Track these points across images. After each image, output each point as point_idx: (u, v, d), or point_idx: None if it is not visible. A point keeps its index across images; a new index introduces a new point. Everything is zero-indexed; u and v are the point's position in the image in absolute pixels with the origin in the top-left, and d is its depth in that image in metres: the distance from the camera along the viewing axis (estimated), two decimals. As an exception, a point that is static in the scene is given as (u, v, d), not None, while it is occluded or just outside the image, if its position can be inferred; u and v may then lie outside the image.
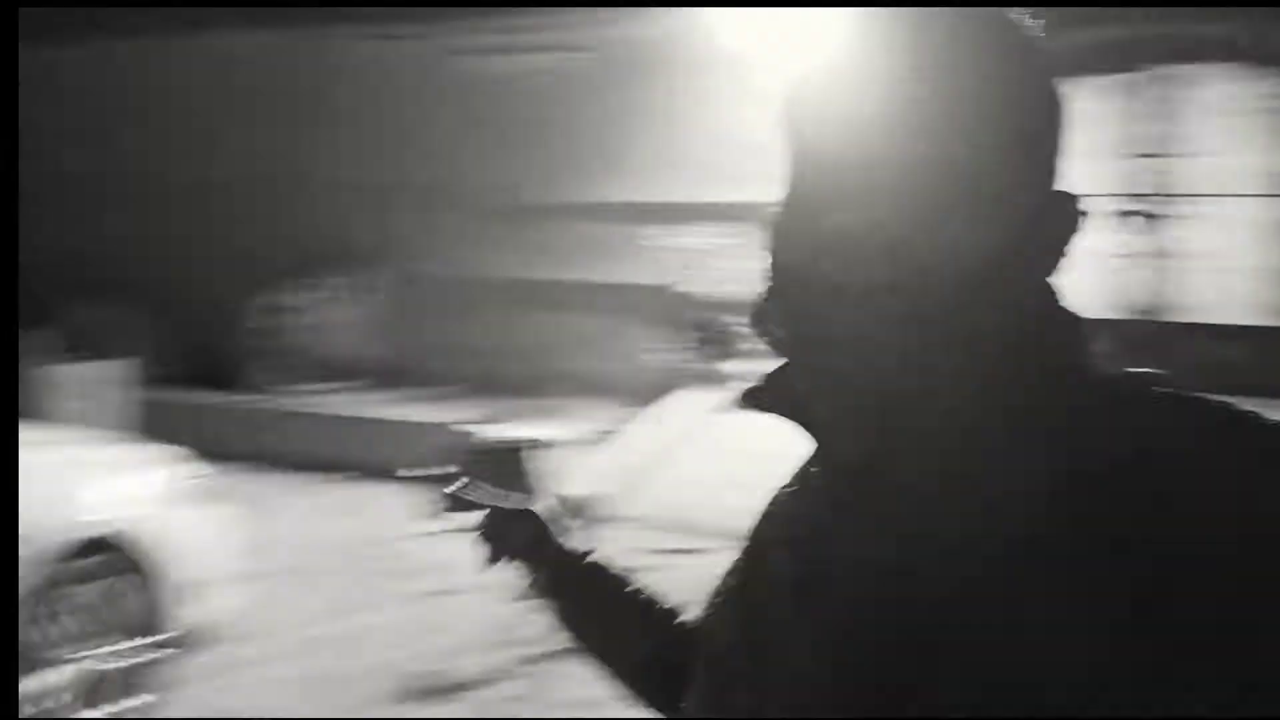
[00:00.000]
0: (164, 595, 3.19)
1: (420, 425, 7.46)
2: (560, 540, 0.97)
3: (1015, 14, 0.59)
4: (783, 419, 0.59)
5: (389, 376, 9.29)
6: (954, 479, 0.54)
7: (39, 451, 3.28)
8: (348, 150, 9.96)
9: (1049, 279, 0.58)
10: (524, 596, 0.98)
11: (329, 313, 9.80)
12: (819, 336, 0.55)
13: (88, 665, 2.97)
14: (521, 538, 0.98)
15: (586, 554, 0.96)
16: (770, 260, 0.58)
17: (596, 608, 0.92)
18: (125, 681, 3.12)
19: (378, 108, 9.94)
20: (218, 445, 7.10)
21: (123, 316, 9.42)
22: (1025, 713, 0.47)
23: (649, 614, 0.89)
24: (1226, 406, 0.53)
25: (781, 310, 0.57)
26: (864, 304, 0.53)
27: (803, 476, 0.65)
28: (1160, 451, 0.51)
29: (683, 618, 0.86)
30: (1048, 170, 0.59)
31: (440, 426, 6.77)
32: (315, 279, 9.79)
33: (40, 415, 6.56)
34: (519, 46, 9.43)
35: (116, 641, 3.09)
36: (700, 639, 0.71)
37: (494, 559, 1.00)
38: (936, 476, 0.55)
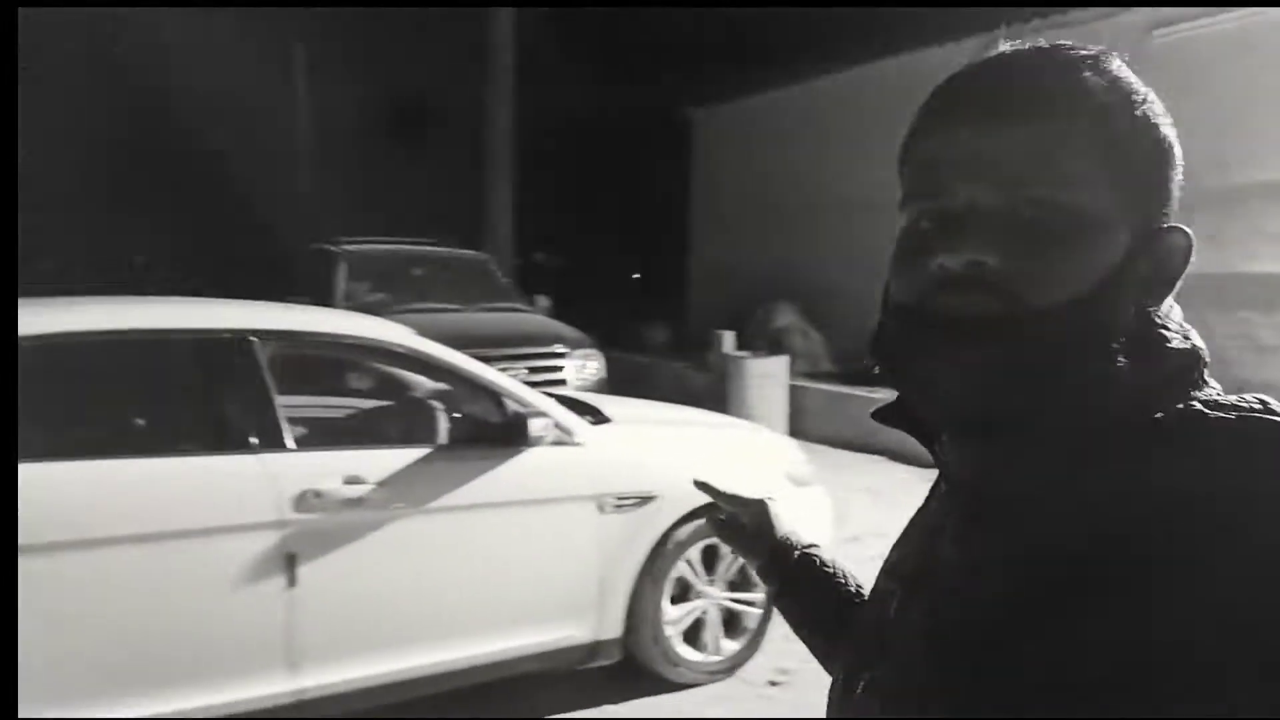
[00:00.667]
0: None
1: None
2: (781, 531, 1.03)
3: (1116, 59, 0.60)
4: (908, 433, 0.65)
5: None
6: (1053, 496, 0.57)
7: (692, 429, 4.10)
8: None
9: (1156, 309, 0.60)
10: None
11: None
12: (930, 367, 0.59)
13: (695, 608, 3.63)
14: (750, 527, 1.05)
15: (805, 547, 1.01)
16: (886, 295, 0.64)
17: (807, 598, 0.98)
18: (725, 627, 3.73)
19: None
20: (867, 437, 7.79)
21: (795, 321, 10.82)
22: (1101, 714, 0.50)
23: (846, 607, 0.92)
24: None
25: (897, 342, 0.62)
26: (972, 338, 0.56)
27: (933, 487, 0.71)
28: (1240, 484, 0.51)
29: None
30: (1153, 205, 0.60)
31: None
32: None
33: (724, 398, 7.94)
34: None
35: (721, 591, 3.70)
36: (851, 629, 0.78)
37: (728, 545, 1.09)
38: (1040, 493, 0.58)
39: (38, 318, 2.65)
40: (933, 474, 0.71)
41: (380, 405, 4.08)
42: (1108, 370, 0.57)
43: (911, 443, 0.68)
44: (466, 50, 12.65)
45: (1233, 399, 0.57)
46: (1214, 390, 0.59)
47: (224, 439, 2.80)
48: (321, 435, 3.63)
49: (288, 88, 17.45)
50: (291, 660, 2.79)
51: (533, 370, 6.49)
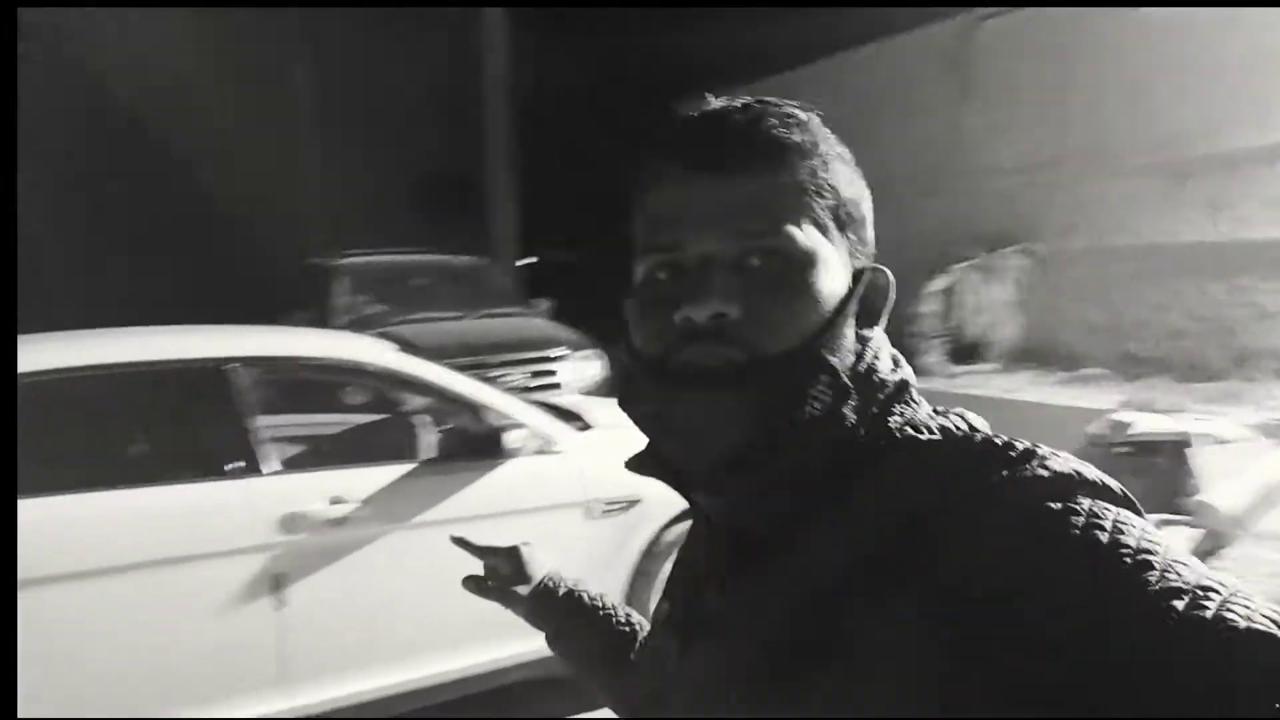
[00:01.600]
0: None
1: (1064, 409, 7.10)
2: (541, 574, 1.06)
3: (815, 115, 0.65)
4: (660, 481, 0.67)
5: (1032, 356, 8.95)
6: (804, 530, 0.60)
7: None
8: (1009, 128, 9.76)
9: (870, 342, 0.65)
10: None
11: (981, 293, 9.82)
12: (678, 416, 0.62)
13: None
14: (509, 577, 1.08)
15: (571, 587, 1.05)
16: (629, 348, 0.66)
17: (579, 639, 1.02)
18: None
19: (1020, 79, 9.56)
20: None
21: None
22: None
23: (621, 642, 0.97)
24: (1011, 464, 0.55)
25: (645, 393, 0.64)
26: (716, 386, 0.60)
27: (689, 534, 0.74)
28: (939, 505, 0.55)
29: None
30: (859, 248, 0.66)
31: (1085, 412, 6.40)
32: (972, 259, 9.90)
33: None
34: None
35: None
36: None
37: (489, 600, 1.12)
38: (790, 529, 0.61)
39: (23, 355, 2.71)
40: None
41: (369, 421, 4.12)
42: (834, 404, 0.60)
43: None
44: (464, 45, 12.61)
45: (939, 421, 0.62)
46: (925, 411, 0.64)
47: (205, 466, 2.85)
48: (307, 456, 3.67)
49: (287, 95, 17.53)
50: (283, 680, 2.84)
51: (532, 375, 6.52)
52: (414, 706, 3.09)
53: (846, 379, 0.61)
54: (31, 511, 2.55)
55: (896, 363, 0.67)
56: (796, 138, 0.63)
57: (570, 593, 1.01)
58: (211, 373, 2.91)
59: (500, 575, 1.06)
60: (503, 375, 6.20)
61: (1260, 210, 7.48)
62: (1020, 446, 0.57)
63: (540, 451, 3.32)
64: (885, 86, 10.93)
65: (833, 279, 0.62)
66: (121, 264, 11.34)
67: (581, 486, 3.37)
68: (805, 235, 0.61)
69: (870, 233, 0.68)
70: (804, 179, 0.62)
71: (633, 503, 3.44)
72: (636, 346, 0.65)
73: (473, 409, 3.30)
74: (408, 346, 3.78)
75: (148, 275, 11.02)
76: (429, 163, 14.86)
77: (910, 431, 0.61)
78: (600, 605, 0.99)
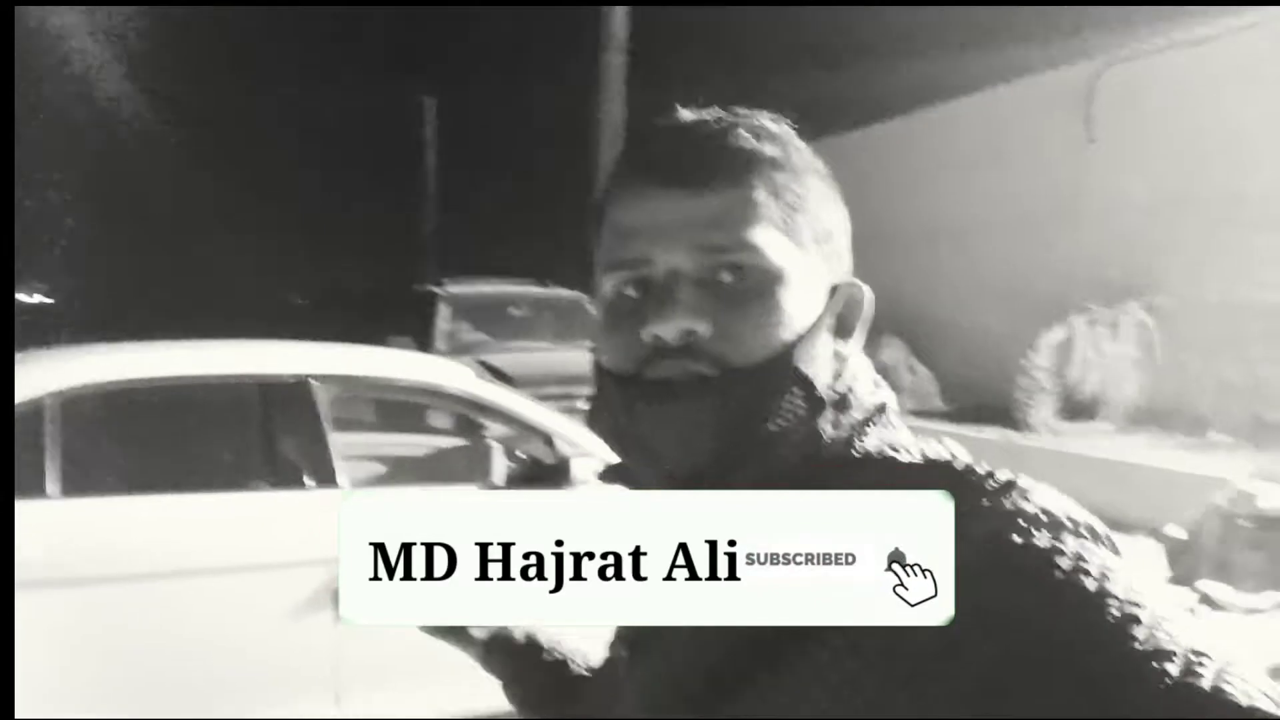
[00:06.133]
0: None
1: (1185, 476, 6.65)
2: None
3: (786, 124, 0.65)
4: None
5: (1153, 417, 8.43)
6: None
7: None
8: (1123, 167, 9.35)
9: (848, 360, 0.64)
10: None
11: (1099, 346, 9.34)
12: (647, 430, 0.60)
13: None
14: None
15: (528, 634, 0.94)
16: (598, 365, 0.64)
17: (534, 684, 0.94)
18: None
19: (1148, 121, 9.14)
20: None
21: (901, 356, 10.49)
22: None
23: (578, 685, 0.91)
24: (990, 495, 0.53)
25: (614, 409, 0.62)
26: (684, 400, 0.59)
27: None
28: None
29: None
30: (834, 262, 0.64)
31: (1209, 480, 5.99)
32: (1090, 310, 9.45)
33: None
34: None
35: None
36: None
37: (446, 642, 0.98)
38: None
39: (111, 360, 2.86)
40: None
41: (452, 445, 4.18)
42: (807, 417, 0.59)
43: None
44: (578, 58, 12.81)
45: (919, 445, 0.61)
46: (906, 435, 0.63)
47: (281, 477, 2.93)
48: (384, 475, 3.74)
49: (416, 132, 18.34)
50: (338, 693, 2.87)
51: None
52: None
53: (821, 394, 0.60)
54: (119, 509, 2.68)
55: (877, 384, 0.66)
56: (768, 151, 0.61)
57: (530, 637, 0.93)
58: (294, 387, 3.00)
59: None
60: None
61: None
62: (1002, 478, 0.55)
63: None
64: (1008, 129, 10.64)
65: (805, 294, 0.61)
66: (240, 280, 11.96)
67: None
68: (775, 249, 0.60)
69: (846, 245, 0.66)
70: (774, 192, 0.61)
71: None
72: (605, 363, 0.64)
73: (546, 437, 3.30)
74: (494, 373, 3.82)
75: (260, 294, 11.57)
76: (545, 190, 15.22)
77: (889, 452, 0.60)
78: (557, 651, 0.92)
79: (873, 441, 0.61)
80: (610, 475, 0.68)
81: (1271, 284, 7.85)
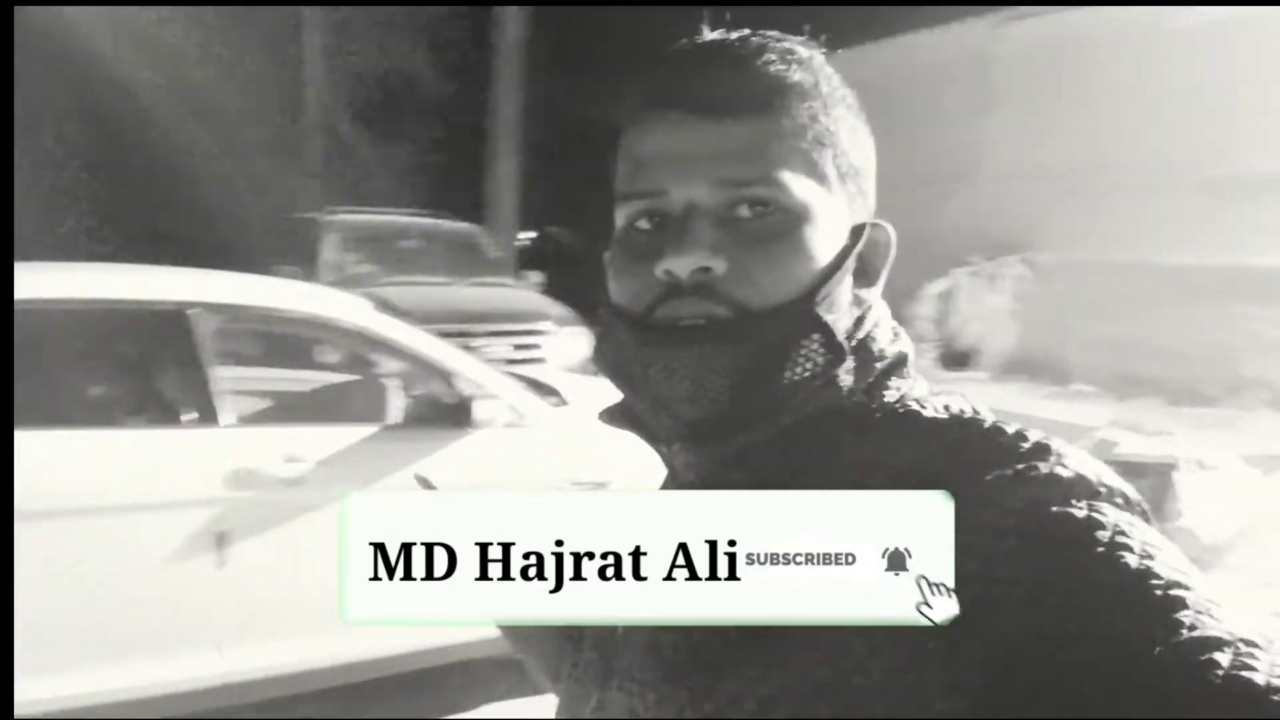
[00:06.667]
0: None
1: (1050, 423, 7.04)
2: None
3: (818, 52, 0.60)
4: (633, 434, 0.63)
5: (1024, 367, 8.87)
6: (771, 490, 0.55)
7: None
8: (1030, 133, 9.63)
9: (869, 308, 0.61)
10: None
11: (979, 300, 9.73)
12: (658, 374, 0.57)
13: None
14: None
15: None
16: (607, 302, 0.61)
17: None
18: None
19: (1045, 84, 9.44)
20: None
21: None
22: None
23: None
24: (1023, 458, 0.50)
25: (622, 349, 0.59)
26: (698, 344, 0.55)
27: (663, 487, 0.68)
28: (949, 471, 0.51)
29: None
30: (859, 201, 0.60)
31: (1072, 428, 6.33)
32: (971, 263, 9.81)
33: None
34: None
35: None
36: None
37: None
38: (756, 489, 0.54)
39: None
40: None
41: (337, 381, 4.00)
42: (826, 365, 0.56)
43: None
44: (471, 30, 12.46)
45: (941, 399, 0.58)
46: (925, 388, 0.60)
47: (157, 413, 2.74)
48: (268, 412, 3.56)
49: (294, 62, 17.33)
50: (218, 640, 2.74)
51: (516, 347, 6.41)
52: (362, 678, 2.99)
53: (841, 341, 0.57)
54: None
55: (897, 333, 0.63)
56: (796, 77, 0.57)
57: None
58: (173, 316, 2.79)
59: None
60: (486, 345, 6.09)
61: (1267, 237, 7.38)
62: (1032, 438, 0.52)
63: (511, 425, 3.21)
64: (907, 84, 10.80)
65: (828, 233, 0.57)
66: (108, 202, 11.11)
67: (547, 463, 3.26)
68: (800, 185, 0.56)
69: (872, 184, 0.62)
70: (802, 123, 0.57)
71: (599, 485, 3.34)
72: (615, 300, 0.60)
73: (446, 376, 3.19)
74: (388, 307, 3.66)
75: (125, 216, 10.79)
76: (434, 124, 14.69)
77: (912, 406, 0.57)
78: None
79: (893, 394, 0.58)
80: (613, 416, 0.65)
81: (1135, 246, 8.29)
